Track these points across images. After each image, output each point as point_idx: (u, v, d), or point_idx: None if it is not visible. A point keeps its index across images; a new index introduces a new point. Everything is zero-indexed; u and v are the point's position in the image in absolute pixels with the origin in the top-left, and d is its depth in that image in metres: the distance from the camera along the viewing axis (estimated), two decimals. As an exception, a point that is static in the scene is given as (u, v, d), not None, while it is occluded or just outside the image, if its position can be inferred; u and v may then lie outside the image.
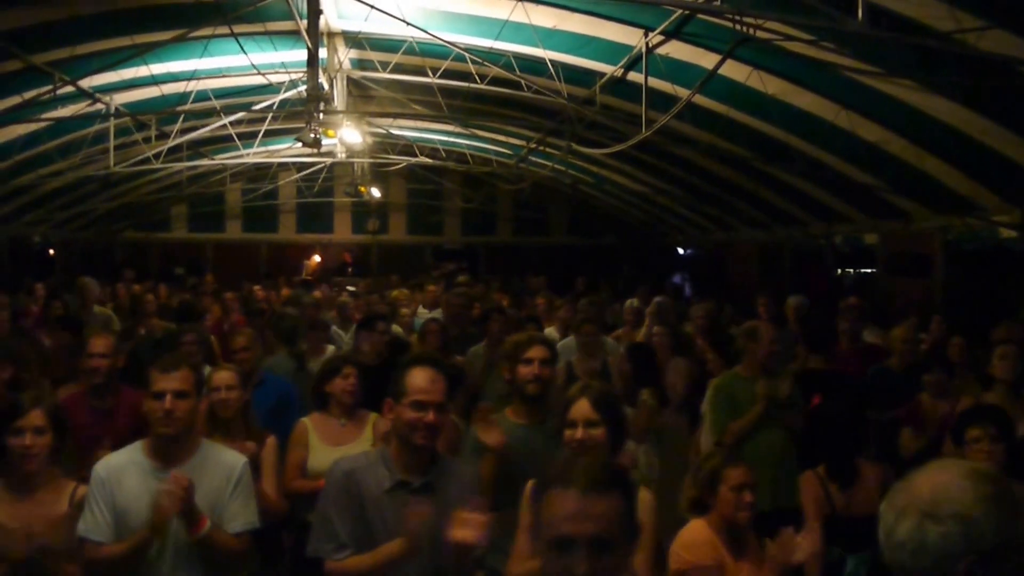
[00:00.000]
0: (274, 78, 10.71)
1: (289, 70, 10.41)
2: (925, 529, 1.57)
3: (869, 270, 13.38)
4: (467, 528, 2.48)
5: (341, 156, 14.07)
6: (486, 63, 9.29)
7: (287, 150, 15.30)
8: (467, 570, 2.65)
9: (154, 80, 9.93)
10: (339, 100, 11.18)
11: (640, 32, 7.84)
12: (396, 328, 7.86)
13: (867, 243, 11.89)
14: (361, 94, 12.74)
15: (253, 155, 14.57)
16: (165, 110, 11.13)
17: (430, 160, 15.83)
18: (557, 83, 9.11)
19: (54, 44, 8.37)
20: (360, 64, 11.43)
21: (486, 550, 2.69)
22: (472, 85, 10.24)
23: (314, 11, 8.05)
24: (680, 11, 7.02)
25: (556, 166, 14.97)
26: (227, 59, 10.01)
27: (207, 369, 4.45)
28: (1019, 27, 5.62)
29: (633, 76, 8.70)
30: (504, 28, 8.33)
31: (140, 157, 12.13)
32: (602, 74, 9.23)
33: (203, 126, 12.04)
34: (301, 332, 6.93)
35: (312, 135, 9.15)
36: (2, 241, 15.23)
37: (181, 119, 11.49)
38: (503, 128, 13.42)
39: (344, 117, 10.88)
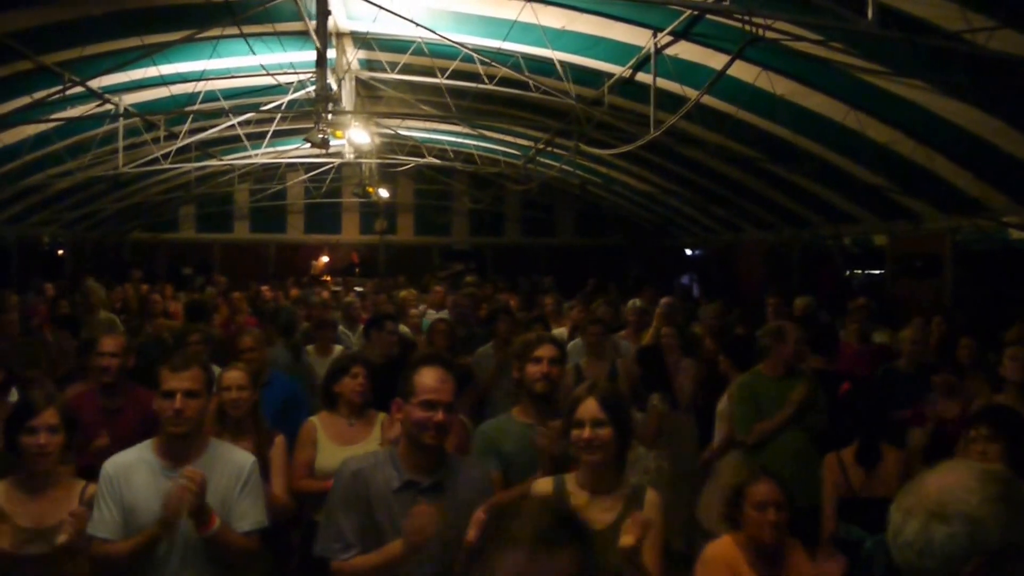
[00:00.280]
0: (283, 78, 10.73)
1: (298, 70, 10.43)
2: (932, 530, 1.57)
3: (878, 271, 13.32)
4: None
5: (349, 157, 14.10)
6: (494, 64, 9.30)
7: (295, 151, 15.31)
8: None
9: (163, 80, 9.96)
10: (347, 101, 11.19)
11: (649, 33, 7.86)
12: (403, 328, 7.89)
13: (876, 244, 11.86)
14: (369, 95, 12.76)
15: (261, 156, 14.64)
16: (174, 111, 11.17)
17: (438, 161, 15.84)
18: (565, 84, 9.10)
19: (63, 45, 8.40)
20: (368, 65, 11.46)
21: None
22: (480, 86, 10.25)
23: (323, 12, 8.08)
24: (689, 11, 7.02)
25: (564, 167, 14.95)
26: (236, 60, 10.05)
27: (217, 369, 4.46)
28: (1029, 27, 5.60)
29: (642, 77, 8.71)
30: (513, 29, 8.33)
31: (149, 157, 12.16)
32: (611, 75, 9.23)
33: (212, 127, 12.09)
34: (298, 324, 7.09)
35: (320, 136, 9.16)
36: (11, 241, 15.28)
37: (190, 120, 11.52)
38: (511, 129, 13.42)
39: (352, 118, 10.88)
